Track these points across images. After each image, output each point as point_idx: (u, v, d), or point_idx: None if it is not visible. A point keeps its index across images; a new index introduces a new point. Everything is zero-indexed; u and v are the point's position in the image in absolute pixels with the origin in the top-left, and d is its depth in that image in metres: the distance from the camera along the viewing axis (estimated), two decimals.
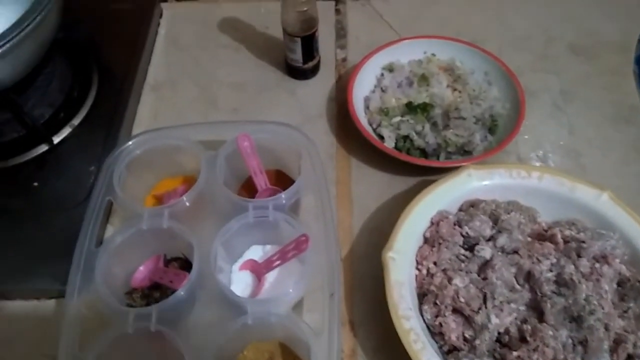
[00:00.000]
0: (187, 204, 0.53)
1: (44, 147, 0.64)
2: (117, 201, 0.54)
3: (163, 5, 0.81)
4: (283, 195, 0.53)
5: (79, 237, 0.51)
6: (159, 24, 0.79)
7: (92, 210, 0.53)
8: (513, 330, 0.46)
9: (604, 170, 0.62)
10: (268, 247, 0.56)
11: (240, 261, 0.55)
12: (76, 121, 0.67)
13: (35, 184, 0.62)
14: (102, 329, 0.47)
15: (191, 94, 0.71)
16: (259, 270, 0.53)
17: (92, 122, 0.67)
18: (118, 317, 0.47)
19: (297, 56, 0.68)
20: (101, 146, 0.64)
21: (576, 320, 0.46)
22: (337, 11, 0.79)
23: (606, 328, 0.46)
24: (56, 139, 0.65)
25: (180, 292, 0.47)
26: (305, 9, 0.62)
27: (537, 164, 0.63)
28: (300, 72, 0.71)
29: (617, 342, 0.45)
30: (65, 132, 0.66)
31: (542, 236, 0.53)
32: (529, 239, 0.53)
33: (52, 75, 0.67)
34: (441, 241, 0.51)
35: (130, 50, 0.74)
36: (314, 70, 0.71)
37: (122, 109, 0.68)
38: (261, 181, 0.58)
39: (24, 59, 0.59)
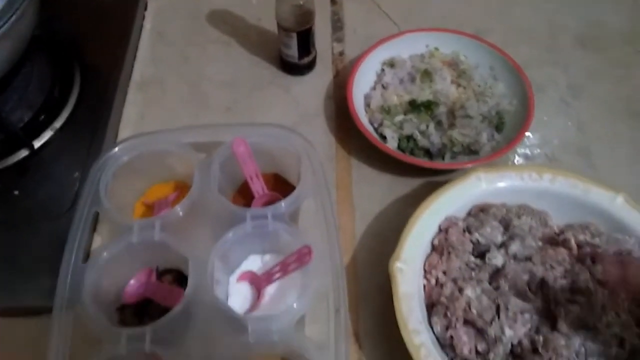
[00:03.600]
0: (181, 214, 0.50)
1: (24, 153, 0.60)
2: (104, 213, 0.50)
3: None
4: (283, 203, 0.50)
5: (64, 253, 0.48)
6: (144, 18, 0.74)
7: (78, 223, 0.49)
8: (525, 342, 0.44)
9: (614, 168, 0.60)
10: (267, 256, 0.53)
11: (238, 272, 0.52)
12: (58, 124, 0.62)
13: (16, 192, 0.58)
14: (92, 346, 0.44)
15: (180, 93, 0.67)
16: (258, 282, 0.50)
17: (75, 124, 0.63)
18: (110, 338, 0.44)
19: (293, 52, 0.64)
20: (86, 150, 0.61)
21: (591, 329, 0.43)
22: (333, 1, 0.76)
23: (621, 340, 0.44)
24: (37, 144, 0.61)
25: (175, 310, 0.44)
26: (301, 2, 0.58)
27: (546, 162, 0.60)
28: (296, 68, 0.67)
29: (634, 353, 0.43)
30: (47, 135, 0.62)
31: (554, 240, 0.50)
32: (541, 243, 0.50)
33: (31, 75, 0.63)
34: (450, 249, 0.49)
35: (114, 46, 0.70)
36: (310, 66, 0.68)
37: (107, 109, 0.64)
38: (258, 187, 0.55)
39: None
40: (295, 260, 0.48)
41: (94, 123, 0.63)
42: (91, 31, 0.71)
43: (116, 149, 0.54)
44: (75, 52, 0.68)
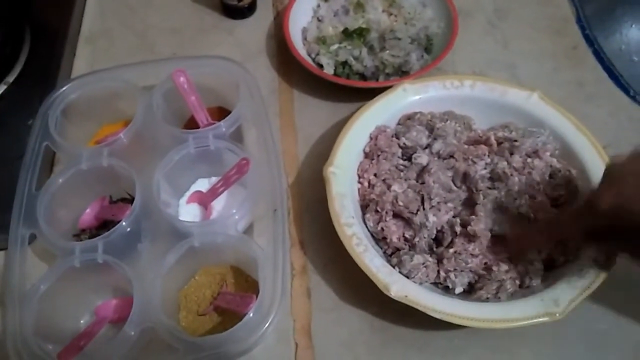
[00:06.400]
0: (125, 140, 0.53)
1: None
2: (54, 145, 0.53)
3: None
4: (222, 123, 0.53)
5: (18, 183, 0.51)
6: None
7: (30, 156, 0.53)
8: (446, 227, 0.48)
9: (538, 78, 0.64)
10: (214, 179, 0.56)
11: (187, 195, 0.55)
12: (10, 78, 0.65)
13: None
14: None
15: (128, 43, 0.70)
16: (205, 200, 0.54)
17: (27, 78, 0.66)
18: (64, 252, 0.47)
19: None
20: (38, 100, 0.62)
21: (504, 211, 0.48)
22: None
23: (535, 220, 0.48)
24: None
25: (123, 222, 0.47)
26: None
27: None
28: (237, 11, 0.70)
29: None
30: (0, 90, 0.64)
31: (478, 142, 0.54)
32: (466, 146, 0.54)
33: None
34: (380, 153, 0.53)
35: (62, 2, 0.72)
36: (251, 9, 0.71)
37: (57, 62, 0.67)
38: (202, 117, 0.58)
39: None
40: (236, 172, 0.51)
41: (45, 76, 0.65)
42: None
43: (64, 87, 0.57)
44: (25, 10, 0.71)
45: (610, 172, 0.42)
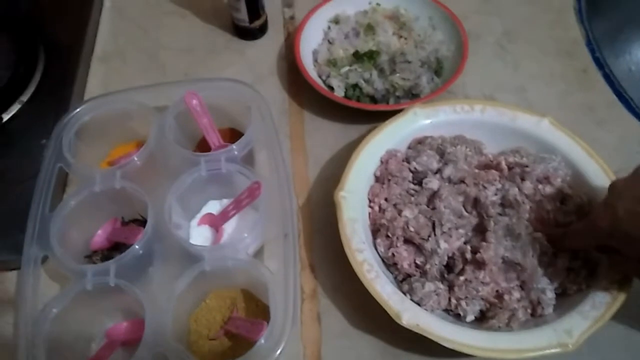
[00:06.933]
0: (138, 162, 0.53)
1: None
2: (68, 167, 0.54)
3: None
4: (234, 146, 0.54)
5: (32, 204, 0.51)
6: None
7: (44, 177, 0.53)
8: (457, 253, 0.48)
9: (548, 102, 0.64)
10: (225, 201, 0.56)
11: (198, 217, 0.56)
12: (25, 97, 0.66)
13: None
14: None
15: (140, 63, 0.71)
16: (216, 222, 0.54)
17: (42, 97, 0.66)
18: (76, 275, 0.47)
19: (243, 15, 0.68)
20: (52, 120, 0.63)
21: (516, 238, 0.47)
22: None
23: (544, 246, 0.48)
24: (5, 116, 0.64)
25: (136, 246, 0.48)
26: None
27: None
28: (248, 32, 0.71)
29: (556, 256, 0.47)
30: (15, 109, 0.65)
31: (489, 166, 0.54)
32: (476, 170, 0.54)
33: None
34: (390, 177, 0.53)
35: (76, 23, 0.73)
36: (262, 30, 0.71)
37: (71, 81, 0.67)
38: (214, 139, 0.58)
39: None
40: (247, 196, 0.51)
41: (59, 95, 0.66)
42: (52, 9, 0.74)
43: (78, 109, 0.57)
44: (39, 30, 0.72)
45: (610, 192, 0.44)
